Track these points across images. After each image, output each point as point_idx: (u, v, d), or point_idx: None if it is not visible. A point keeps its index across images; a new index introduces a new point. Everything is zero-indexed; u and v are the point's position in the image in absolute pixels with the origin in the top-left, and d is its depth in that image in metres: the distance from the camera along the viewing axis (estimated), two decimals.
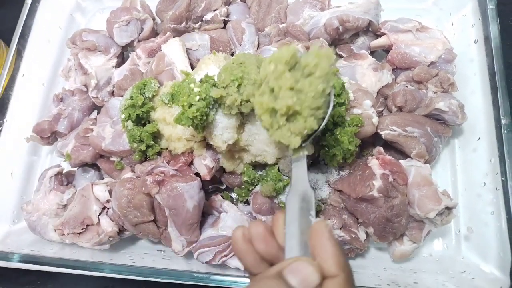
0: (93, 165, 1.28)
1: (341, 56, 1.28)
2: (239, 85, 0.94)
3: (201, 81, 1.00)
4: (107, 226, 1.13)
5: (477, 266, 1.09)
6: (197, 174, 1.12)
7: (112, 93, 1.34)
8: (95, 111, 1.35)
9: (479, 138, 1.15)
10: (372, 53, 1.31)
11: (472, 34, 1.24)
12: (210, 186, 1.23)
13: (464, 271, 1.07)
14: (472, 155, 1.19)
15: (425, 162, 1.13)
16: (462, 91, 1.22)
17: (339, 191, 1.10)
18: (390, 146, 1.18)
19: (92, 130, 1.21)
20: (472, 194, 1.15)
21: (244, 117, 1.03)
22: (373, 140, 1.20)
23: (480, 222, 1.12)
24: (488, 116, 1.16)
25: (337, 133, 1.04)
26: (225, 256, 1.05)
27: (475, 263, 1.10)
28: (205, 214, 1.15)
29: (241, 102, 0.94)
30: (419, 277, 1.09)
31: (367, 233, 1.09)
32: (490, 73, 1.16)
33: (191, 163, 1.14)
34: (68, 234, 1.15)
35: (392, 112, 1.20)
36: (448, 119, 1.16)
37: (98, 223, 1.14)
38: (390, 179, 1.03)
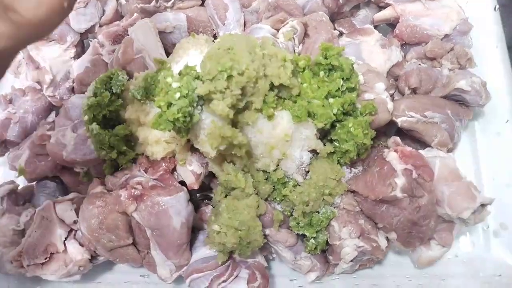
0: (55, 178, 1.09)
1: (341, 33, 1.10)
2: (228, 77, 0.75)
3: (180, 73, 0.81)
4: (76, 253, 0.94)
5: (510, 266, 0.96)
6: (182, 183, 0.93)
7: (72, 90, 1.15)
8: (53, 113, 1.17)
9: (508, 120, 1.00)
10: (374, 28, 1.14)
11: (489, 1, 1.09)
12: (198, 195, 1.04)
13: (500, 275, 0.93)
14: (496, 139, 1.05)
15: (447, 151, 0.98)
16: (479, 67, 1.07)
17: (353, 192, 0.93)
18: (405, 135, 1.03)
19: (49, 136, 1.00)
20: (500, 184, 1.02)
21: (237, 114, 0.84)
22: (385, 129, 1.04)
23: (511, 216, 0.98)
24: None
25: (349, 125, 0.87)
26: (224, 281, 0.87)
27: (508, 263, 0.97)
28: (195, 229, 0.97)
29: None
30: (448, 285, 0.95)
31: (387, 239, 0.94)
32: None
33: (174, 169, 0.95)
34: (28, 265, 0.96)
35: (406, 95, 1.04)
36: (469, 100, 1.01)
37: (65, 250, 0.95)
38: (414, 175, 0.87)
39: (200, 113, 0.81)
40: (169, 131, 0.80)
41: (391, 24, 1.16)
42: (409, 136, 1.03)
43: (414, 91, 1.04)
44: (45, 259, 0.95)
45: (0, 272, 0.98)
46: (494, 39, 1.09)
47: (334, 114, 0.86)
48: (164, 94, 0.81)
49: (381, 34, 1.07)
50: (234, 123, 0.86)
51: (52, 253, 0.96)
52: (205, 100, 0.80)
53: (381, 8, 1.15)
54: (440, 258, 0.95)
